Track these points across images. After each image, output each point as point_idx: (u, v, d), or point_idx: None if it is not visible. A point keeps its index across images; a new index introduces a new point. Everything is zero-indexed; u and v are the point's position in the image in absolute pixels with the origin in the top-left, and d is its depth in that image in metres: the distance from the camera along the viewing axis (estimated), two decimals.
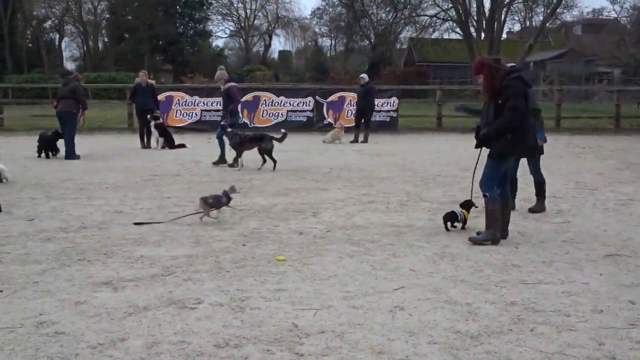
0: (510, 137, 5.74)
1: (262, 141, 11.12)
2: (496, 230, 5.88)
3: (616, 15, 51.00)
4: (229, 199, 6.88)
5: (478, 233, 6.13)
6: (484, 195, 5.94)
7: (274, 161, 11.07)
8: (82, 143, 12.19)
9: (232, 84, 12.05)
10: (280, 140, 11.26)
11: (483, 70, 5.77)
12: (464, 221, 6.55)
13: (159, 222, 6.72)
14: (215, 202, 6.78)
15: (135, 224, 6.65)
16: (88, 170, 10.91)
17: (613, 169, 11.61)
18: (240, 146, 11.09)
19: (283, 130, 11.68)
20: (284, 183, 9.62)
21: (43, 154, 12.69)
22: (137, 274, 4.88)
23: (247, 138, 11.14)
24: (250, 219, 7.00)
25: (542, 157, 7.69)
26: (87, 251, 5.56)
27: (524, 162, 7.48)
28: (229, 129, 11.24)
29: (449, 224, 6.48)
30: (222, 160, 11.71)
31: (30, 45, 51.49)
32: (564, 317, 4.02)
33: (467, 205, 6.62)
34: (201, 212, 6.77)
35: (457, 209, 6.68)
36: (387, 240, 6.05)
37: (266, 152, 11.09)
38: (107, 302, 4.23)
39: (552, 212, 7.50)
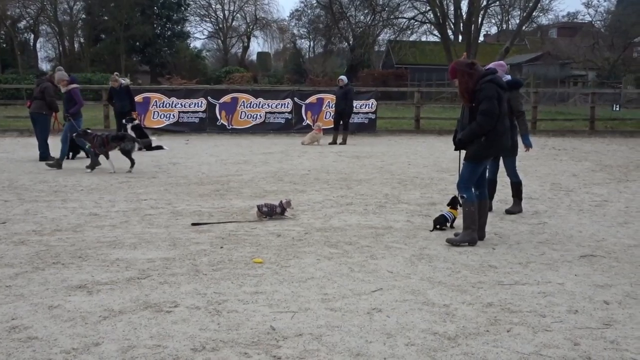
0: (484, 140, 5.79)
1: (122, 141, 10.97)
2: (473, 232, 5.93)
3: (591, 19, 51.81)
4: (284, 211, 7.07)
5: (456, 234, 6.17)
6: (461, 197, 5.98)
7: (132, 162, 10.89)
8: (57, 145, 12.00)
9: (74, 85, 11.77)
10: (145, 145, 11.10)
11: (457, 74, 5.82)
12: (453, 220, 6.63)
13: (219, 223, 6.77)
14: (269, 211, 7.00)
15: (194, 224, 6.70)
16: (62, 172, 10.75)
17: (588, 170, 11.78)
18: (103, 147, 10.80)
19: (154, 138, 11.52)
20: (262, 185, 9.59)
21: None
22: (112, 277, 4.82)
23: (108, 138, 10.93)
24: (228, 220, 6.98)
25: (518, 159, 7.76)
26: (61, 254, 5.48)
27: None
28: (82, 133, 10.87)
29: (438, 226, 6.55)
30: (58, 162, 11.28)
31: (4, 45, 50.68)
32: (540, 317, 4.06)
33: (454, 203, 6.69)
34: (256, 220, 6.95)
35: (445, 210, 6.74)
36: (365, 242, 6.06)
37: (125, 152, 10.92)
38: (81, 306, 4.17)
39: (529, 214, 7.58)
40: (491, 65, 6.92)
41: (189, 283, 4.69)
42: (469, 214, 5.92)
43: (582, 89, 39.64)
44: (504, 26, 57.89)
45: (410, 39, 49.80)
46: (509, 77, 7.34)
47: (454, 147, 6.16)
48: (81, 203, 7.98)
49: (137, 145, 11.13)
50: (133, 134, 14.56)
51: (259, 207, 7.05)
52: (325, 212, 7.52)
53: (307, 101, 19.81)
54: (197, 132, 19.15)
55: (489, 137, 5.79)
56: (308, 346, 3.54)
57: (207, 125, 19.44)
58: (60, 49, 55.65)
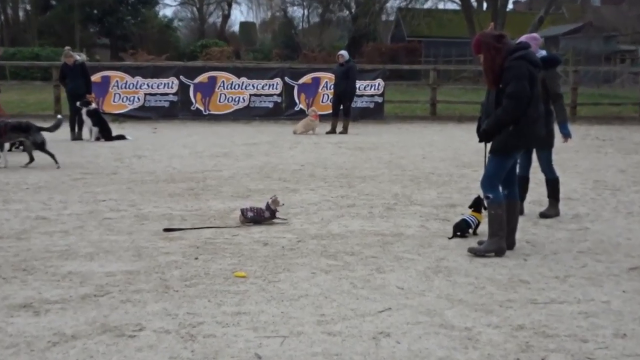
0: (513, 129, 5.78)
1: (28, 133, 10.72)
2: (501, 240, 5.92)
3: None
4: (273, 213, 7.06)
5: (480, 243, 6.16)
6: (486, 197, 5.98)
7: (52, 155, 10.68)
8: None
9: None
10: (51, 129, 10.97)
11: (482, 48, 5.81)
12: (477, 225, 6.64)
13: (193, 229, 6.76)
14: (257, 217, 6.99)
15: (165, 230, 6.69)
16: (4, 167, 10.74)
17: (638, 165, 11.80)
18: None
19: (59, 116, 11.31)
20: (245, 183, 9.57)
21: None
22: (64, 294, 4.80)
23: (7, 127, 10.66)
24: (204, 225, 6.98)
25: (554, 151, 7.76)
26: (2, 266, 5.45)
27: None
28: None
29: (458, 233, 6.56)
30: None
31: None
32: (581, 343, 4.06)
33: (477, 204, 6.68)
34: (238, 226, 6.97)
35: (467, 214, 6.73)
36: (370, 252, 6.05)
37: (38, 146, 10.70)
38: (26, 329, 4.15)
39: (567, 217, 7.58)
40: (523, 38, 6.90)
41: (157, 302, 4.66)
42: (496, 218, 5.91)
43: (631, 67, 39.73)
44: None
45: (425, 7, 49.77)
46: (543, 52, 7.33)
47: (477, 137, 6.14)
48: (26, 204, 7.94)
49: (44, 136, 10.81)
50: (89, 121, 14.61)
51: (243, 212, 7.04)
52: (322, 216, 7.50)
53: (301, 81, 19.81)
54: (167, 118, 19.14)
55: (519, 126, 5.78)
56: None
57: (179, 110, 19.44)
58: (2, 18, 55.43)
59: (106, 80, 19.10)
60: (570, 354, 3.89)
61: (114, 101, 19.18)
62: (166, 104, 19.38)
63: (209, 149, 13.37)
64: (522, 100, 5.70)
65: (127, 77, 19.28)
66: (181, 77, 19.36)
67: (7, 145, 11.12)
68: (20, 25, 53.71)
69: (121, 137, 14.85)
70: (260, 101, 19.65)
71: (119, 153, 12.66)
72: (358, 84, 18.13)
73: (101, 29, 54.34)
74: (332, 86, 17.96)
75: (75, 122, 14.91)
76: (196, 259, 5.75)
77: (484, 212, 6.51)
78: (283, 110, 19.78)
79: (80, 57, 15.81)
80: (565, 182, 9.01)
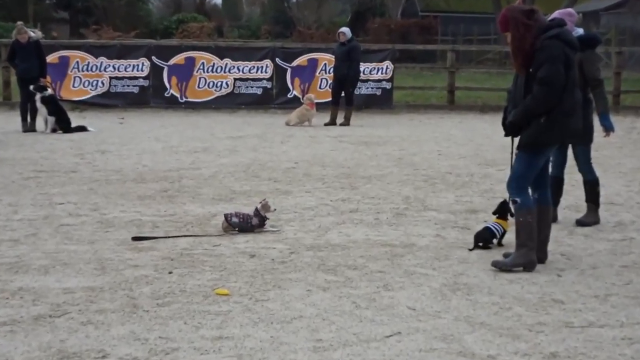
0: (545, 120, 5.77)
1: None
2: (530, 252, 5.92)
3: None
4: (263, 220, 7.06)
5: (505, 255, 6.16)
6: (513, 201, 5.98)
7: None
8: None
9: None
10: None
11: (509, 25, 5.81)
12: (502, 235, 6.63)
13: (167, 238, 6.78)
14: (243, 224, 6.98)
15: (134, 239, 6.68)
16: None
17: None
18: None
19: None
20: (229, 183, 9.57)
21: None
22: (13, 314, 4.78)
23: None
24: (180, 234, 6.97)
25: (594, 147, 7.74)
26: None
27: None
28: None
29: (480, 244, 6.55)
30: None
31: None
32: None
33: (503, 210, 6.68)
34: (220, 234, 6.98)
35: (491, 221, 6.72)
36: (376, 265, 6.04)
37: None
38: None
39: (609, 226, 7.58)
40: (556, 14, 6.90)
41: (124, 324, 4.65)
42: (525, 226, 5.91)
43: None
44: None
45: None
46: (580, 31, 7.33)
47: (503, 131, 6.14)
48: None
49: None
50: (44, 109, 14.56)
51: (227, 218, 7.03)
52: (319, 223, 7.50)
53: (294, 63, 19.78)
54: (136, 106, 19.11)
55: (552, 117, 5.77)
56: None
57: (150, 97, 19.41)
58: None
59: (64, 62, 19.04)
60: None
61: (73, 86, 19.13)
62: (135, 90, 19.34)
63: (186, 143, 13.35)
64: (556, 86, 5.70)
65: (90, 58, 19.22)
66: (153, 58, 19.32)
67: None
68: None
69: (82, 129, 14.80)
70: (247, 87, 19.62)
71: (79, 147, 12.64)
72: (362, 66, 18.12)
73: (59, 1, 54.24)
74: (332, 69, 17.93)
75: (28, 110, 14.84)
76: (170, 273, 5.73)
77: (511, 219, 6.50)
78: (274, 98, 19.75)
79: (34, 34, 15.75)
80: (607, 183, 9.01)
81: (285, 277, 5.69)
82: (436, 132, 15.85)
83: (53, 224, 7.30)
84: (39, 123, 14.81)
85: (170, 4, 63.32)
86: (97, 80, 19.23)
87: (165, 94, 19.38)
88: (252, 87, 19.65)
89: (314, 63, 19.80)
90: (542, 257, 6.09)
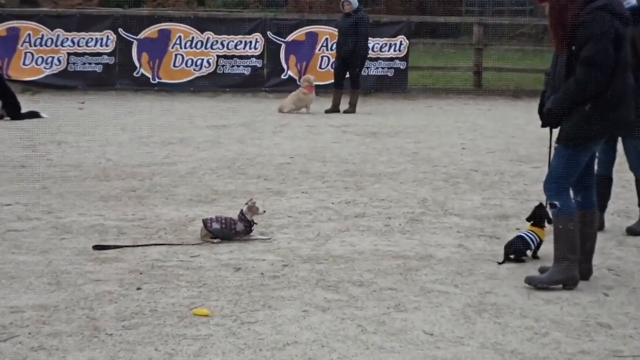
0: (590, 108, 5.75)
1: None
2: (572, 266, 5.91)
3: None
4: (250, 226, 7.06)
5: (542, 270, 6.14)
6: (552, 205, 5.96)
7: None
8: None
9: None
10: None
11: None
12: (538, 245, 6.61)
13: (135, 246, 6.79)
14: (225, 230, 6.99)
15: (95, 247, 6.67)
16: None
17: None
18: None
19: None
20: (210, 182, 9.58)
21: None
22: None
23: None
24: (151, 241, 6.97)
25: None
26: None
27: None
28: None
29: (512, 256, 6.54)
30: None
31: None
32: None
33: (539, 217, 6.67)
34: (199, 243, 7.01)
35: (525, 229, 6.71)
36: (386, 281, 6.02)
37: None
38: None
39: None
40: None
41: (82, 350, 4.64)
42: (565, 235, 5.89)
43: None
44: None
45: None
46: (633, 1, 7.31)
47: (540, 120, 6.12)
48: None
49: None
50: None
51: (207, 223, 7.02)
52: (318, 230, 7.49)
53: (289, 38, 19.79)
54: (99, 88, 19.13)
55: (598, 105, 5.75)
56: None
57: (116, 77, 19.41)
58: None
59: (14, 34, 19.05)
60: None
61: (24, 63, 19.13)
62: (98, 69, 19.33)
63: (158, 133, 13.34)
64: (603, 68, 5.68)
65: (44, 30, 19.21)
66: (120, 30, 19.32)
67: None
68: None
69: (34, 115, 14.78)
70: (232, 66, 19.62)
71: (30, 137, 12.63)
72: (371, 42, 18.12)
73: None
74: (335, 45, 17.93)
75: None
76: (139, 289, 5.71)
77: (548, 227, 6.49)
78: (264, 79, 19.75)
79: None
80: None
81: (277, 294, 5.67)
82: (459, 121, 15.86)
83: None
84: None
85: None
86: (53, 57, 19.21)
87: (135, 74, 19.37)
88: (238, 66, 19.64)
89: (313, 38, 19.80)
90: (585, 273, 6.07)
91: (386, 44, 19.89)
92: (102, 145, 11.98)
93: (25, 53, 19.11)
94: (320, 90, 17.23)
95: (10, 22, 19.24)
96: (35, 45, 19.15)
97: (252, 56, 19.67)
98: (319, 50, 19.69)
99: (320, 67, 19.43)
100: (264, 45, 19.65)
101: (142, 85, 19.31)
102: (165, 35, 19.45)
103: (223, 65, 19.57)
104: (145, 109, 16.55)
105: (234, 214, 7.17)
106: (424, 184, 9.70)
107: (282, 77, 19.64)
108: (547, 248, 6.40)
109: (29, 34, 19.14)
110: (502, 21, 35.78)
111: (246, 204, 7.20)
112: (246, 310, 5.34)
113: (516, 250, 6.56)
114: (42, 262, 6.31)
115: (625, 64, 5.86)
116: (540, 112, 6.11)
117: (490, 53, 23.68)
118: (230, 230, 7.02)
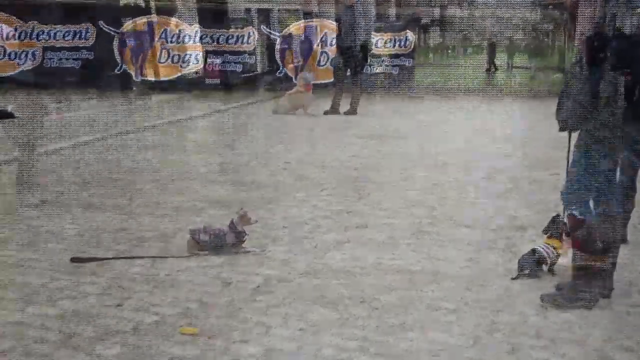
0: (612, 110, 5.77)
1: None
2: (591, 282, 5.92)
3: None
4: (241, 236, 7.06)
5: (559, 287, 6.16)
6: (570, 215, 5.97)
7: None
8: None
9: None
10: None
11: None
12: (555, 259, 6.63)
13: (115, 259, 6.80)
14: (215, 241, 6.99)
15: (73, 260, 6.69)
16: None
17: None
18: None
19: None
20: (197, 188, 9.61)
21: None
22: None
23: None
24: (130, 254, 6.99)
25: None
26: None
27: None
28: None
29: (527, 271, 6.54)
30: None
31: None
32: None
33: (557, 228, 6.67)
34: (186, 255, 7.00)
35: (541, 242, 6.72)
36: (389, 298, 6.03)
37: None
38: None
39: None
40: None
41: None
42: (584, 248, 5.90)
43: None
44: None
45: None
46: None
47: (558, 124, 6.14)
48: None
49: None
50: None
51: (194, 234, 7.04)
52: (315, 241, 7.49)
53: (286, 32, 19.79)
54: (77, 86, 19.09)
55: (620, 109, 5.78)
56: None
57: (96, 74, 19.39)
58: None
59: None
60: None
61: None
62: (77, 65, 19.36)
63: (142, 135, 13.35)
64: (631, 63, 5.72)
65: (17, 22, 19.25)
66: (100, 22, 19.35)
67: None
68: None
69: (8, 115, 14.81)
70: (224, 62, 19.64)
71: None
72: (374, 37, 18.14)
73: None
74: (335, 39, 17.95)
75: None
76: (119, 305, 5.73)
77: (567, 240, 6.51)
78: (258, 77, 19.76)
79: None
80: None
81: (271, 312, 5.67)
82: (470, 122, 15.88)
83: None
84: None
85: None
86: (27, 52, 19.24)
87: (116, 71, 19.40)
88: (229, 62, 19.66)
89: (311, 31, 19.81)
90: (606, 290, 6.08)
91: (392, 38, 19.92)
92: (79, 147, 11.99)
93: None
94: (318, 89, 17.27)
95: None
96: (7, 39, 19.15)
97: (245, 52, 19.73)
98: (318, 45, 19.73)
99: (319, 64, 19.48)
100: (257, 39, 19.70)
101: (125, 83, 19.31)
102: (149, 28, 19.52)
103: (213, 61, 19.59)
104: (128, 109, 16.55)
105: (223, 224, 7.19)
106: (430, 191, 9.70)
107: (277, 74, 19.73)
108: (565, 262, 6.42)
109: (0, 27, 19.15)
110: (515, 16, 35.90)
111: (237, 212, 7.22)
112: (237, 329, 5.34)
113: (531, 265, 6.58)
114: (15, 276, 6.33)
115: None
116: (558, 114, 6.13)
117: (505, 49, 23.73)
118: (219, 242, 7.04)
